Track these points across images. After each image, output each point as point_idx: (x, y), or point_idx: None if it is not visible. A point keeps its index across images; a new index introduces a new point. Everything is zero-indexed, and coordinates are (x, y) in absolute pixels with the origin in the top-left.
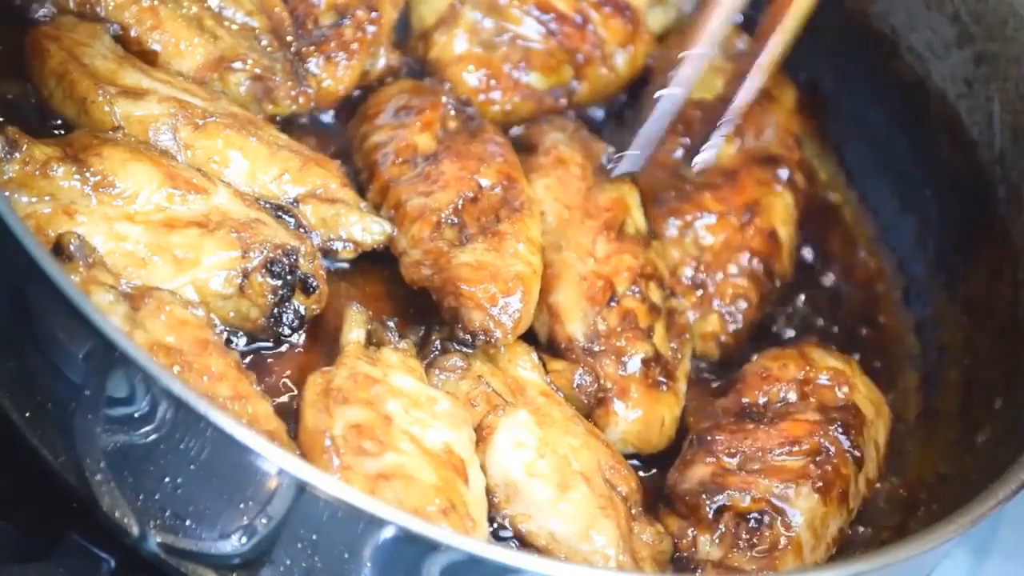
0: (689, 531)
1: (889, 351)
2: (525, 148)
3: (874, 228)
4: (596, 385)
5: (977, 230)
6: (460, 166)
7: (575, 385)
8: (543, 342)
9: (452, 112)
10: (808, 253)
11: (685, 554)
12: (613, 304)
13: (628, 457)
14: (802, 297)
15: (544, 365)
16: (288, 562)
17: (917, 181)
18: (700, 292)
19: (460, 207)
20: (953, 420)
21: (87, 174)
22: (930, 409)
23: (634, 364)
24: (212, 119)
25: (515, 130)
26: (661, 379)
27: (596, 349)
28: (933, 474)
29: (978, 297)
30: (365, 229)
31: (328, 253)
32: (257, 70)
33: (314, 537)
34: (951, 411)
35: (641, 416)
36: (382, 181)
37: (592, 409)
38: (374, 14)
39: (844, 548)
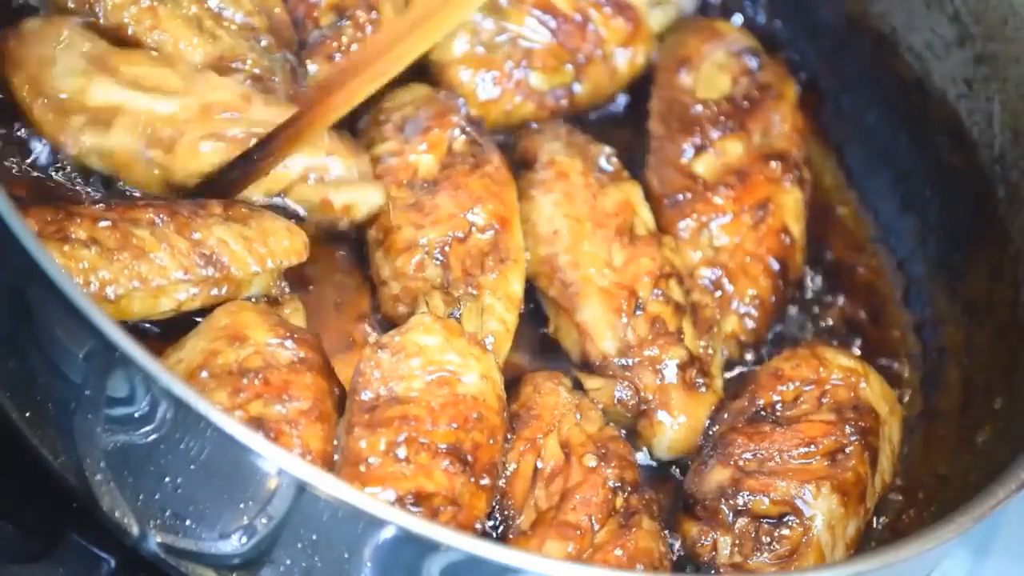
0: (709, 535)
1: (889, 351)
2: (522, 163)
3: (874, 228)
4: (637, 398)
5: (977, 230)
6: (455, 202)
7: (616, 401)
8: (576, 361)
9: (460, 135)
10: (808, 253)
11: (705, 559)
12: (639, 312)
13: (672, 462)
14: (801, 298)
15: (581, 384)
16: (288, 562)
17: (917, 181)
18: (718, 293)
19: (448, 248)
20: (953, 420)
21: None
22: (930, 409)
23: (671, 371)
24: (185, 137)
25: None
26: (699, 380)
27: (631, 362)
28: (933, 474)
29: (978, 297)
30: (358, 201)
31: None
32: (256, 70)
33: (314, 537)
34: (951, 411)
35: (685, 422)
36: None
37: (635, 421)
38: (374, 14)
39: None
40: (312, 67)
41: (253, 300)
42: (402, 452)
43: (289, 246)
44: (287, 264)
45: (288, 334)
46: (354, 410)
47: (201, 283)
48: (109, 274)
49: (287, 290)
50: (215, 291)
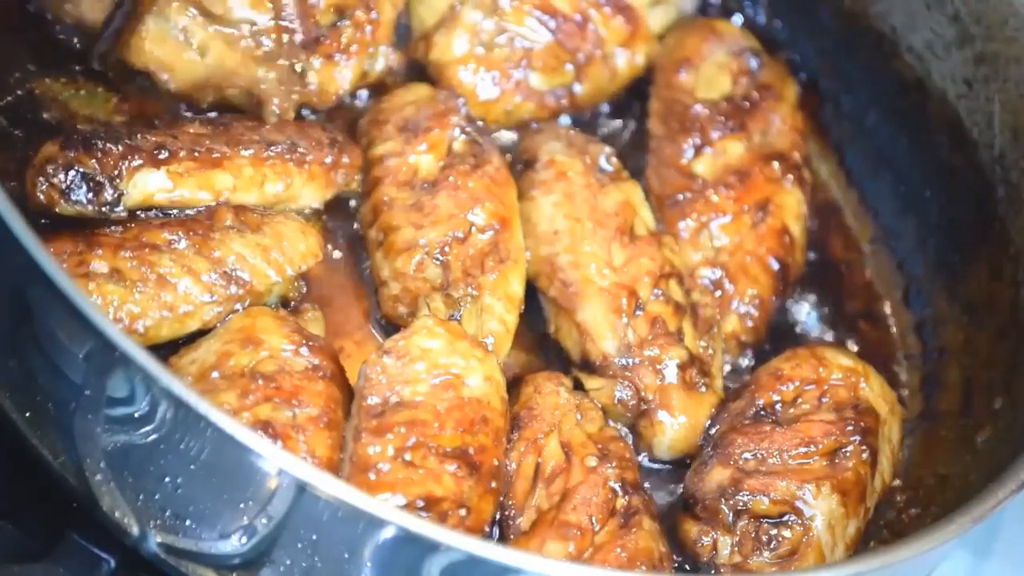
0: (709, 535)
1: (889, 351)
2: (522, 163)
3: (874, 228)
4: (637, 398)
5: (977, 230)
6: (455, 202)
7: (616, 400)
8: (576, 361)
9: (460, 135)
10: (808, 253)
11: (705, 559)
12: (639, 312)
13: (672, 462)
14: (801, 298)
15: (581, 384)
16: (288, 562)
17: (917, 181)
18: (718, 293)
19: (448, 248)
20: (953, 420)
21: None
22: (930, 409)
23: (671, 371)
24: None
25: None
26: (699, 380)
27: (631, 362)
28: (933, 474)
29: (978, 297)
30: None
31: None
32: (263, 85)
33: (314, 537)
34: (951, 411)
35: (686, 423)
36: (378, 199)
37: (636, 420)
38: (373, 14)
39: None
40: (311, 68)
41: (273, 304)
42: (410, 457)
43: (305, 249)
44: (305, 268)
45: (304, 341)
46: (361, 415)
47: (225, 301)
48: (138, 308)
49: (305, 289)
50: (238, 305)
